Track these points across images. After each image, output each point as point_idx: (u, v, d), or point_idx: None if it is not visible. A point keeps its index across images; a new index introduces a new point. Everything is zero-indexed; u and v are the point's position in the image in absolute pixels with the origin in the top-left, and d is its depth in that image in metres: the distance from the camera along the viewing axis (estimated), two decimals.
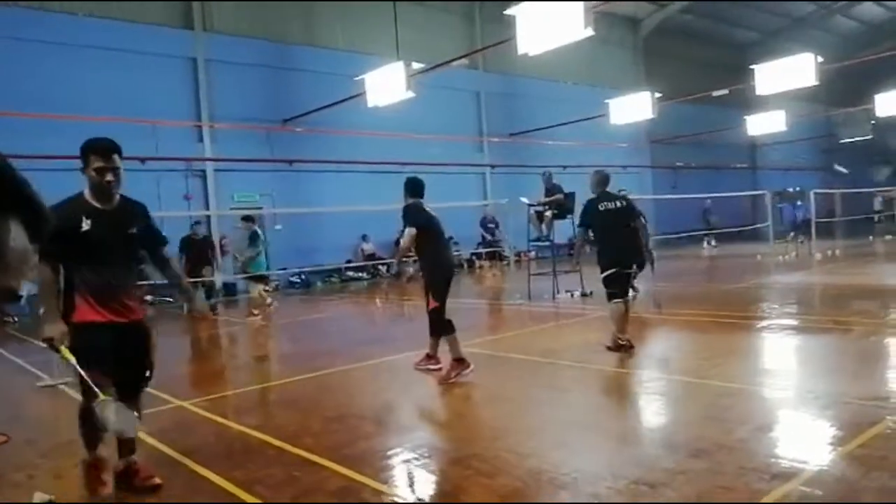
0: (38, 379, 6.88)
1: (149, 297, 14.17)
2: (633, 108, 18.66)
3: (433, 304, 6.02)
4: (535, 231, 12.05)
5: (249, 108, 17.07)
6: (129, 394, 3.55)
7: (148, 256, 3.83)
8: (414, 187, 6.24)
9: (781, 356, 6.65)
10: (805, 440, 4.01)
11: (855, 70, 22.32)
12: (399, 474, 3.81)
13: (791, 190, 27.28)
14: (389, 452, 4.11)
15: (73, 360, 3.25)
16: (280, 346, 9.48)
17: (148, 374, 3.66)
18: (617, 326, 6.70)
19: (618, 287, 6.70)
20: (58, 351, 3.32)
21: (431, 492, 3.61)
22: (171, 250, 4.55)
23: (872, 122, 26.52)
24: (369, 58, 15.85)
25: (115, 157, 3.42)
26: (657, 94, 18.41)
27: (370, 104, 14.53)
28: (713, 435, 4.03)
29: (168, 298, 14.42)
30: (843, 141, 30.14)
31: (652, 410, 5.13)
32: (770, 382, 5.40)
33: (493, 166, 22.36)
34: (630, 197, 9.86)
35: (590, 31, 9.71)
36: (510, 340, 8.14)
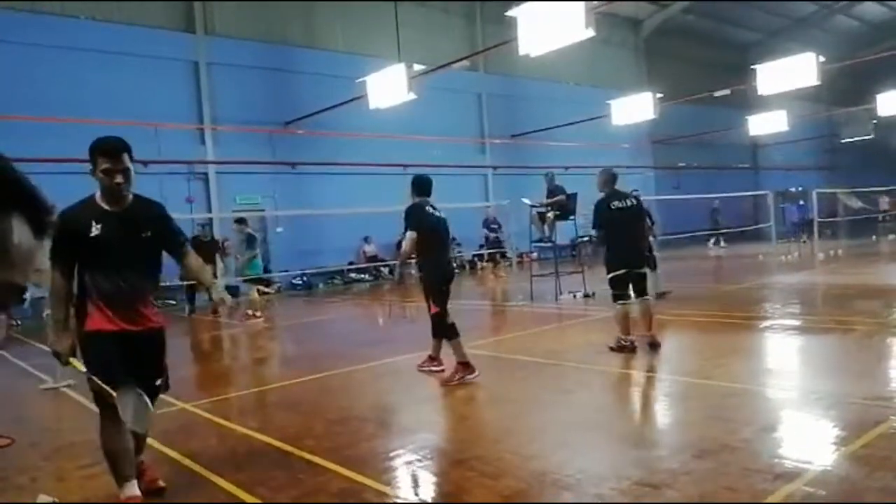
0: (41, 381, 6.88)
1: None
2: (635, 108, 18.65)
3: (434, 310, 5.98)
4: (538, 232, 12.04)
5: (251, 110, 17.09)
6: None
7: (172, 257, 3.64)
8: (421, 186, 6.13)
9: (785, 356, 6.64)
10: (809, 440, 4.00)
11: (856, 69, 22.32)
12: (402, 476, 3.81)
13: (793, 190, 27.25)
14: (392, 454, 4.11)
15: (83, 370, 3.18)
16: (282, 348, 9.48)
17: (159, 382, 3.54)
18: (621, 327, 6.69)
19: (624, 288, 6.69)
20: (67, 364, 3.26)
21: (434, 493, 3.60)
22: None
23: (874, 121, 26.47)
24: (370, 60, 15.87)
25: (125, 156, 3.25)
26: (659, 95, 18.40)
27: (372, 106, 14.54)
28: (717, 435, 4.03)
29: (171, 301, 14.45)
30: (844, 141, 30.10)
31: (655, 411, 5.13)
32: (773, 383, 5.39)
33: (494, 167, 22.36)
34: (641, 198, 9.90)
35: (591, 32, 9.70)
36: (513, 342, 8.14)
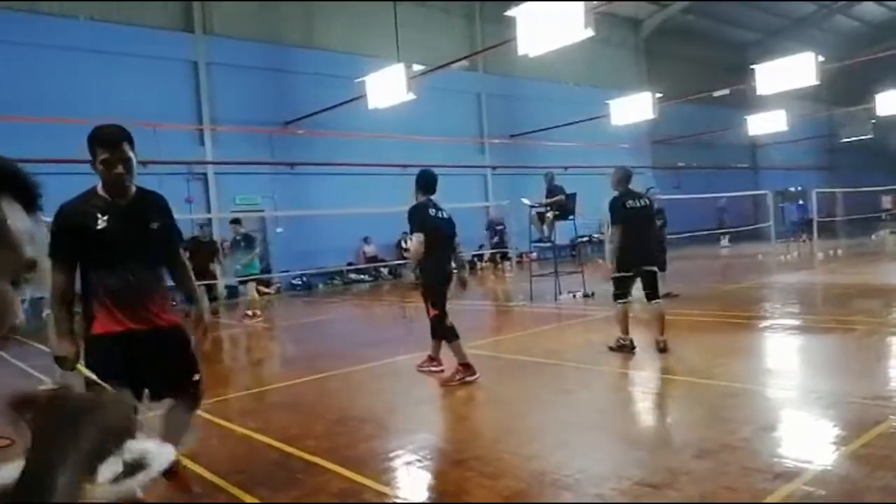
0: (41, 382, 6.87)
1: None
2: (634, 108, 18.66)
3: (433, 313, 5.96)
4: (537, 232, 12.05)
5: (250, 110, 17.09)
6: (179, 406, 3.27)
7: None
8: (425, 182, 6.05)
9: (785, 356, 6.64)
10: (808, 440, 4.00)
11: (856, 69, 22.33)
12: (401, 476, 3.80)
13: (793, 189, 27.26)
14: (391, 454, 4.11)
15: (93, 376, 2.85)
16: (282, 349, 9.48)
17: (196, 377, 3.29)
18: (621, 327, 6.69)
19: (626, 288, 6.69)
20: (73, 370, 2.97)
21: (434, 494, 3.60)
22: None
23: (873, 121, 26.48)
24: (369, 60, 15.86)
25: (125, 145, 3.02)
26: (658, 95, 18.40)
27: (371, 106, 14.54)
28: (717, 435, 4.03)
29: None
30: (844, 140, 30.12)
31: (655, 411, 5.13)
32: (773, 382, 5.39)
33: (493, 167, 22.36)
34: (657, 196, 9.92)
35: (590, 32, 9.70)
36: (512, 342, 8.13)
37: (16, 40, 13.71)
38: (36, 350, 8.63)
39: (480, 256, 20.70)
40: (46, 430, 0.73)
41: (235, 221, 11.86)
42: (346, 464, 3.91)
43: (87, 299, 3.10)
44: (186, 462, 4.12)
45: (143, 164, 14.01)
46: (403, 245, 18.17)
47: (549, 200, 11.56)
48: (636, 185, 7.20)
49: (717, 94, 18.77)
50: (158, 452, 1.01)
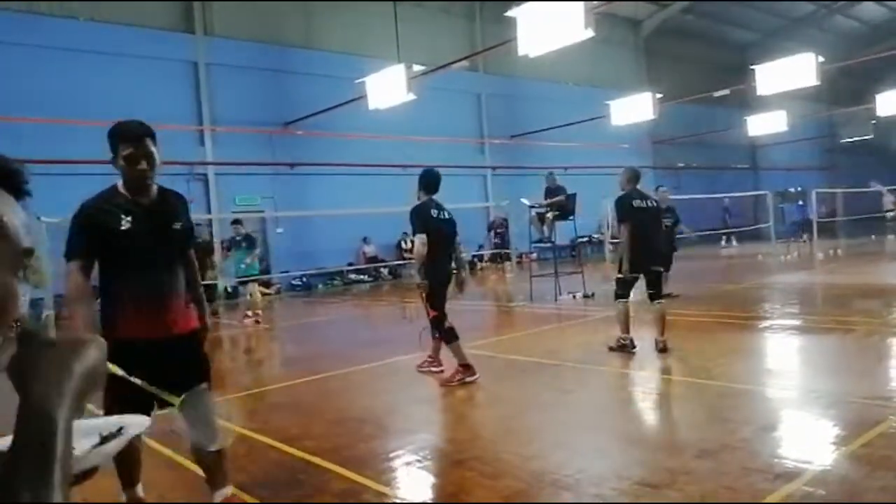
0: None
1: None
2: (635, 108, 18.65)
3: (432, 314, 5.96)
4: (537, 233, 12.05)
5: (250, 111, 17.10)
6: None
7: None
8: (428, 182, 6.05)
9: (784, 356, 6.64)
10: (808, 440, 4.00)
11: (856, 69, 22.36)
12: (401, 476, 3.80)
13: (793, 190, 27.26)
14: (392, 454, 4.11)
15: (120, 371, 2.85)
16: (282, 349, 9.48)
17: (203, 385, 3.08)
18: (621, 327, 6.70)
19: (628, 288, 6.70)
20: None
21: (434, 494, 3.60)
22: None
23: (873, 121, 26.49)
24: (370, 60, 15.86)
25: (148, 140, 2.91)
26: (658, 95, 18.40)
27: (371, 107, 14.54)
28: (717, 435, 4.03)
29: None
30: (844, 141, 30.12)
31: (655, 411, 5.13)
32: (773, 382, 5.39)
33: (493, 168, 22.36)
34: (670, 196, 9.91)
35: (590, 32, 9.70)
36: (512, 342, 8.14)
37: (15, 41, 13.71)
38: None
39: (480, 257, 20.71)
40: (37, 368, 0.73)
41: (237, 222, 11.88)
42: (347, 464, 3.91)
43: (106, 303, 2.95)
44: (188, 464, 4.12)
45: None
46: (403, 245, 18.19)
47: (549, 201, 11.56)
48: (644, 185, 7.21)
49: (717, 94, 18.78)
50: (132, 422, 1.03)
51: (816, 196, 22.73)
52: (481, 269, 20.23)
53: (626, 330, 6.68)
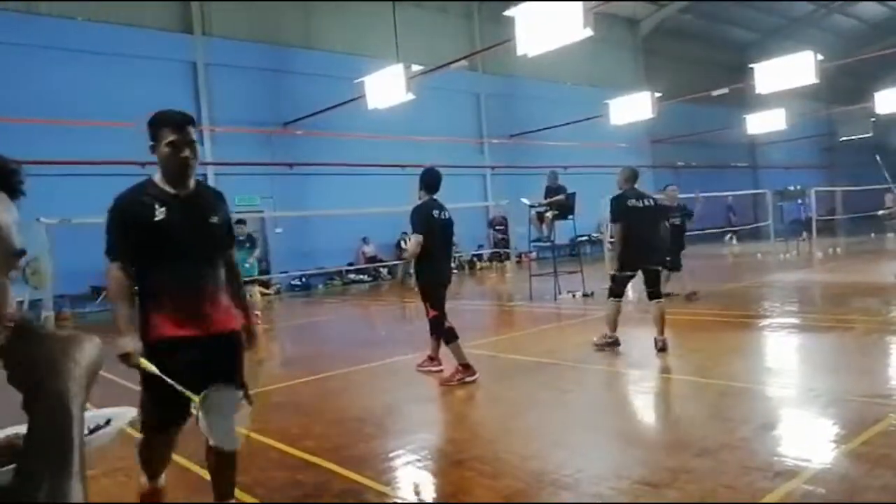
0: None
1: None
2: (633, 108, 18.65)
3: (432, 314, 5.96)
4: (536, 232, 12.05)
5: (249, 111, 17.10)
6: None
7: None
8: (429, 181, 6.05)
9: (784, 354, 6.64)
10: (808, 438, 4.00)
11: (855, 68, 22.36)
12: (401, 476, 3.81)
13: (792, 188, 27.23)
14: (391, 454, 4.11)
15: (156, 370, 2.61)
16: (281, 349, 9.48)
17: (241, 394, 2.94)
18: (609, 325, 6.76)
19: (623, 287, 6.72)
20: (137, 367, 2.70)
21: (434, 493, 3.61)
22: None
23: (872, 119, 26.48)
24: (368, 60, 15.86)
25: (190, 128, 2.84)
26: (657, 94, 18.40)
27: (370, 107, 14.54)
28: (716, 434, 4.03)
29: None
30: (843, 139, 30.11)
31: (654, 410, 5.13)
32: (772, 381, 5.39)
33: (493, 167, 22.36)
34: (678, 195, 9.88)
35: (589, 32, 9.70)
36: (511, 341, 8.14)
37: (14, 41, 13.71)
38: None
39: (480, 256, 20.71)
40: (49, 359, 0.76)
41: (240, 222, 11.86)
42: (346, 464, 3.91)
43: (143, 300, 2.84)
44: (188, 464, 4.12)
45: (143, 164, 14.00)
46: (402, 245, 18.19)
47: (548, 200, 11.56)
48: (643, 184, 7.23)
49: (716, 93, 18.78)
50: (120, 413, 1.06)
51: (816, 194, 22.72)
52: (481, 268, 20.23)
53: (614, 328, 6.75)
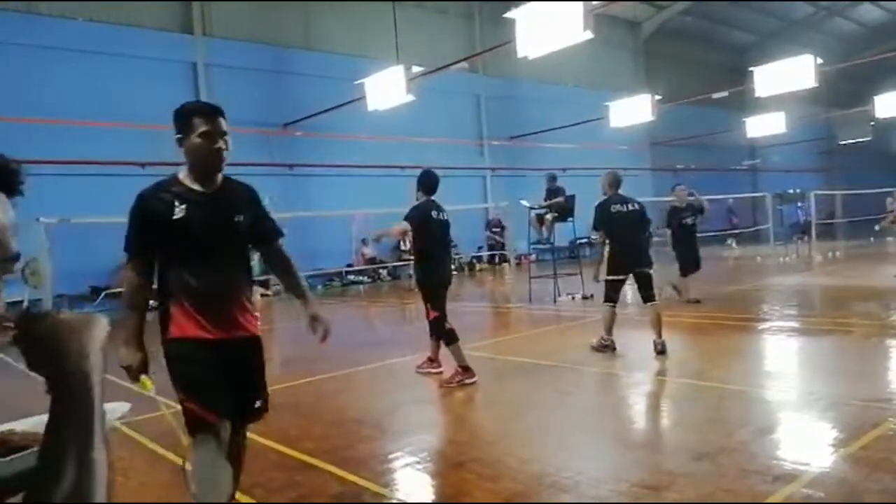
0: (44, 385, 6.87)
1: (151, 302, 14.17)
2: (633, 110, 18.65)
3: (433, 315, 5.95)
4: (536, 234, 12.05)
5: (249, 112, 17.07)
6: (234, 428, 2.79)
7: (259, 252, 3.06)
8: (427, 182, 6.04)
9: (783, 358, 6.64)
10: (807, 442, 4.00)
11: (854, 72, 22.39)
12: (400, 478, 3.80)
13: (791, 191, 27.25)
14: (390, 456, 4.10)
15: (152, 391, 2.55)
16: (280, 351, 9.46)
17: (259, 404, 2.91)
18: (605, 327, 6.79)
19: (617, 291, 6.77)
20: (136, 381, 2.62)
21: (432, 495, 3.60)
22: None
23: (872, 123, 26.51)
24: (369, 62, 15.87)
25: (222, 120, 2.72)
26: (657, 97, 18.41)
27: (370, 108, 14.54)
28: (715, 437, 4.03)
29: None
30: (842, 142, 30.15)
31: (653, 413, 5.13)
32: (771, 384, 5.39)
33: (493, 169, 22.36)
34: (688, 195, 9.84)
35: (589, 34, 9.70)
36: (511, 343, 8.13)
37: (14, 41, 13.71)
38: None
39: (480, 258, 20.72)
40: (63, 343, 0.79)
41: None
42: (345, 465, 3.90)
43: (163, 302, 2.70)
44: (187, 465, 4.11)
45: (143, 165, 14.02)
46: (402, 247, 18.18)
47: (548, 202, 11.56)
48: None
49: (715, 96, 18.80)
50: (113, 408, 1.09)
51: (815, 198, 22.75)
52: (480, 269, 20.23)
53: (609, 332, 6.78)
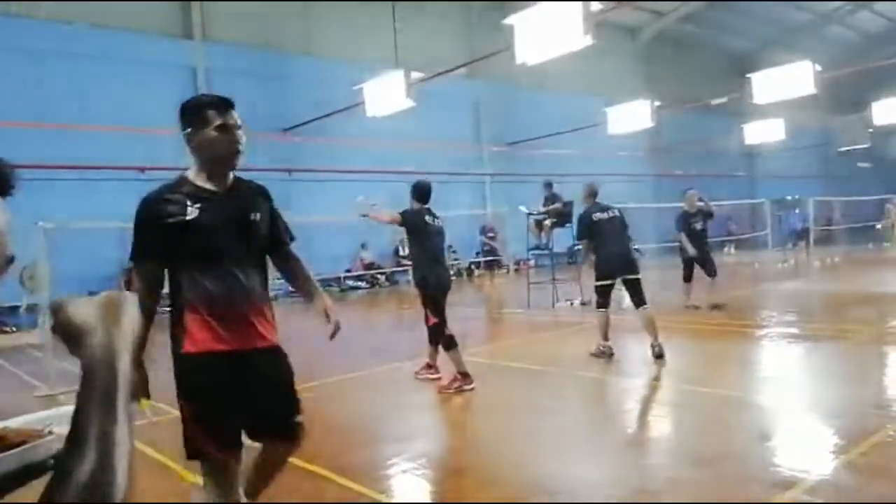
0: (36, 389, 6.85)
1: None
2: (632, 116, 18.67)
3: (432, 321, 5.95)
4: (535, 239, 12.05)
5: (248, 116, 16.46)
6: (275, 448, 2.71)
7: (269, 254, 2.88)
8: (420, 191, 6.10)
9: (782, 364, 6.63)
10: (806, 449, 3.99)
11: (853, 78, 22.42)
12: (398, 484, 3.79)
13: (789, 198, 27.28)
14: (388, 462, 4.09)
15: (149, 415, 2.43)
16: None
17: (299, 418, 2.64)
18: (601, 333, 6.82)
19: (607, 296, 6.85)
20: (136, 402, 2.38)
21: (431, 501, 3.59)
22: None
23: (870, 130, 26.57)
24: (368, 67, 15.88)
25: (235, 113, 2.55)
26: (656, 103, 18.43)
27: (369, 113, 14.55)
28: (714, 443, 4.02)
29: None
30: (841, 149, 30.19)
31: (652, 419, 5.12)
32: (770, 391, 5.39)
33: (492, 175, 22.38)
34: (698, 200, 9.82)
35: (589, 40, 9.69)
36: (509, 349, 8.12)
37: (14, 45, 13.72)
38: (33, 357, 8.60)
39: (478, 264, 20.71)
40: (86, 325, 0.80)
41: None
42: (342, 471, 3.89)
43: (176, 309, 2.48)
44: (184, 472, 4.10)
45: (142, 169, 14.02)
46: (400, 252, 18.19)
47: (547, 208, 11.57)
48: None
49: (714, 102, 18.82)
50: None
51: (814, 204, 22.77)
52: (479, 275, 20.22)
53: (606, 337, 6.81)
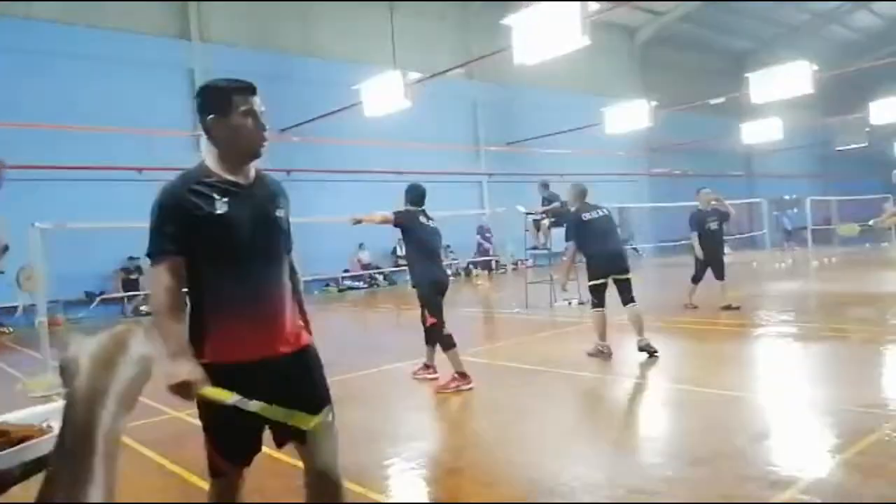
0: (32, 390, 6.84)
1: (143, 308, 14.13)
2: (630, 116, 18.69)
3: (431, 321, 5.95)
4: (533, 239, 12.06)
5: None
6: (307, 454, 2.59)
7: None
8: (414, 195, 6.12)
9: (779, 363, 6.64)
10: (803, 448, 4.00)
11: (850, 78, 22.47)
12: (396, 484, 3.79)
13: (787, 198, 27.33)
14: (386, 462, 4.09)
15: (228, 399, 1.96)
16: None
17: (331, 417, 2.54)
18: (598, 333, 6.84)
19: (601, 296, 6.85)
20: (200, 398, 2.09)
21: (428, 501, 3.59)
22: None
23: (868, 129, 26.62)
24: (366, 67, 15.89)
25: (258, 99, 2.39)
26: (654, 103, 18.45)
27: (367, 114, 14.56)
28: (711, 443, 4.03)
29: None
30: (838, 149, 30.24)
31: (650, 419, 5.12)
32: (768, 390, 5.40)
33: (489, 175, 22.39)
34: (713, 199, 9.77)
35: (587, 40, 9.70)
36: (507, 349, 8.12)
37: (11, 46, 13.71)
38: (29, 358, 8.59)
39: (476, 264, 20.72)
40: (73, 364, 0.78)
41: None
42: (341, 472, 3.88)
43: (196, 313, 2.25)
44: (181, 472, 4.10)
45: (139, 170, 14.02)
46: (398, 252, 18.19)
47: (545, 208, 11.58)
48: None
49: (712, 102, 18.84)
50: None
51: (811, 203, 22.80)
52: (477, 275, 20.22)
53: (603, 337, 6.83)
